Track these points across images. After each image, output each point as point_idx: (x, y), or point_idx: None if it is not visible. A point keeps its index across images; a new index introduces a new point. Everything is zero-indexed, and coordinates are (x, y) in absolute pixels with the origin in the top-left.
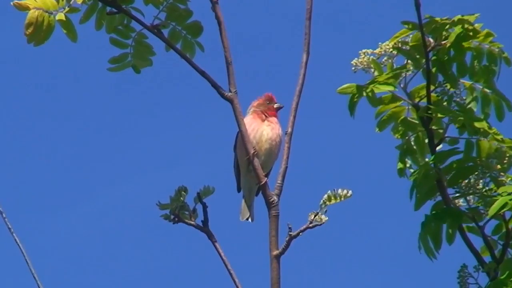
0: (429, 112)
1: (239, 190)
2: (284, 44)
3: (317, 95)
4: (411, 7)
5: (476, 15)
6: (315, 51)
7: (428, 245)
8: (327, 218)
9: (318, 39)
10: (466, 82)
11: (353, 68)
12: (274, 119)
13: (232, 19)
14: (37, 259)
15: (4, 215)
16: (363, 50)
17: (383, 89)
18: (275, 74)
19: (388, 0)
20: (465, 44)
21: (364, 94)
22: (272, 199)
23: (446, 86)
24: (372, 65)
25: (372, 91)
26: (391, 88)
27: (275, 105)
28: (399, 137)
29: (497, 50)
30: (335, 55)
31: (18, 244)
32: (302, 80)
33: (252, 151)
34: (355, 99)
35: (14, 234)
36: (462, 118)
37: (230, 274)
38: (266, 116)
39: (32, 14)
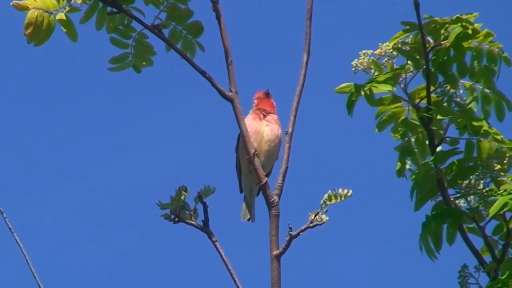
0: (430, 112)
1: (241, 191)
2: (285, 44)
3: (317, 95)
4: (412, 6)
5: (475, 14)
6: (316, 51)
7: (429, 245)
8: (327, 217)
9: (319, 39)
10: (466, 82)
11: (353, 69)
12: (273, 117)
13: (232, 19)
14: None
15: (4, 215)
16: (363, 51)
17: (382, 89)
18: (275, 74)
19: (389, 0)
20: (465, 44)
21: (362, 93)
22: (272, 199)
23: (446, 86)
24: (372, 66)
25: (370, 90)
26: (390, 87)
27: (266, 93)
28: (398, 137)
29: (497, 50)
30: (336, 55)
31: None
32: (303, 80)
33: (252, 151)
34: (353, 98)
35: (13, 232)
36: (462, 119)
37: (231, 274)
38: (264, 115)
39: (32, 14)
